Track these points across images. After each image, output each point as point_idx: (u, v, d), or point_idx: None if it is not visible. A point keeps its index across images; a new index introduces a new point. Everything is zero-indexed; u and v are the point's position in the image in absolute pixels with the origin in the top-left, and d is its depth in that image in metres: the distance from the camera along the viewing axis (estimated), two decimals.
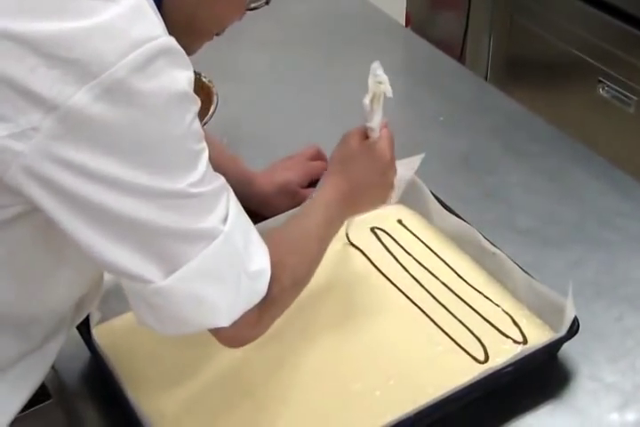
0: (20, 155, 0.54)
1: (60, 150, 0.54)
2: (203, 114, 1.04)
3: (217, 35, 0.72)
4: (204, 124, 1.02)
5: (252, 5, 0.71)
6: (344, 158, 0.82)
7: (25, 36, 0.53)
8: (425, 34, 1.45)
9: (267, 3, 0.73)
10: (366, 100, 0.81)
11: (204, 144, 0.61)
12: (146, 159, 0.56)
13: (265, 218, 0.94)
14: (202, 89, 1.10)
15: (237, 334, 0.66)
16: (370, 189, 0.82)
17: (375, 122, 0.82)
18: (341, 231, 0.84)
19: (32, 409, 0.78)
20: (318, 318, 0.86)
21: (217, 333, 0.66)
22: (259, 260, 0.65)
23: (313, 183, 1.02)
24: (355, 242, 0.95)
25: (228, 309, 0.63)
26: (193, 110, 0.59)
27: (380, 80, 0.80)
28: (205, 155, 0.60)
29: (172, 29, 0.59)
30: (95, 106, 0.53)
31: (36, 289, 0.67)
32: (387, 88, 0.80)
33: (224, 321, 0.63)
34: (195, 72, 1.26)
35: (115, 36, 0.54)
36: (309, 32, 1.40)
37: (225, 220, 0.61)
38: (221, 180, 0.63)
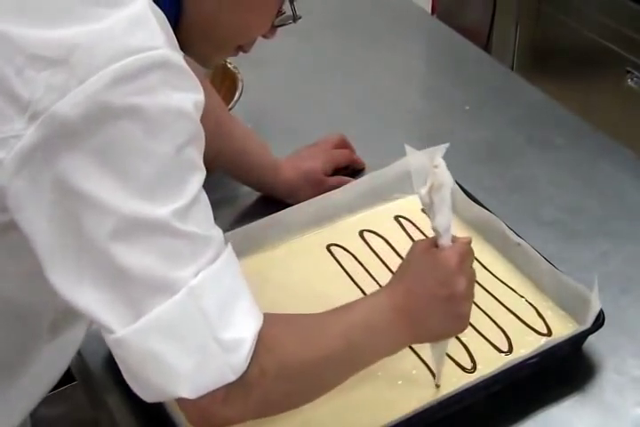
0: (1, 163, 0.52)
1: (38, 162, 0.52)
2: (228, 100, 1.04)
3: (244, 51, 0.70)
4: (229, 109, 1.02)
5: (280, 23, 0.69)
6: (404, 265, 0.71)
7: (15, 37, 0.51)
8: (451, 22, 1.44)
9: (294, 21, 0.70)
10: (422, 191, 0.66)
11: (199, 178, 0.55)
12: (127, 175, 0.52)
13: (289, 206, 0.94)
14: (227, 75, 1.10)
15: (204, 412, 0.57)
16: (431, 303, 0.67)
17: (439, 222, 0.67)
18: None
19: (56, 391, 0.79)
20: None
21: (183, 407, 0.58)
22: (240, 329, 0.56)
23: (337, 171, 1.02)
24: (378, 230, 0.94)
25: (190, 377, 0.55)
26: (189, 135, 0.54)
27: (435, 164, 0.65)
28: (197, 190, 0.55)
29: (191, 37, 0.57)
30: (78, 114, 0.51)
31: (42, 284, 0.65)
32: (442, 174, 0.65)
33: (186, 391, 0.55)
34: None
35: (107, 41, 0.51)
36: (334, 19, 1.39)
37: (197, 275, 0.54)
38: (218, 234, 0.57)
